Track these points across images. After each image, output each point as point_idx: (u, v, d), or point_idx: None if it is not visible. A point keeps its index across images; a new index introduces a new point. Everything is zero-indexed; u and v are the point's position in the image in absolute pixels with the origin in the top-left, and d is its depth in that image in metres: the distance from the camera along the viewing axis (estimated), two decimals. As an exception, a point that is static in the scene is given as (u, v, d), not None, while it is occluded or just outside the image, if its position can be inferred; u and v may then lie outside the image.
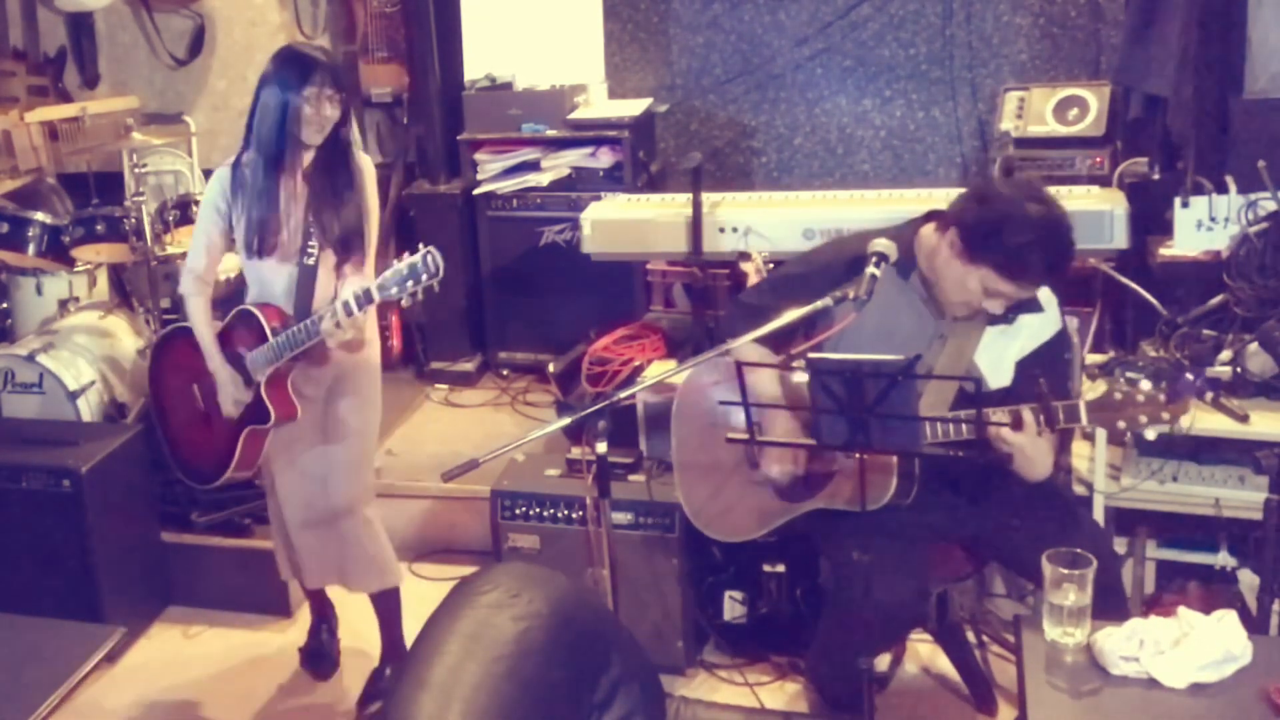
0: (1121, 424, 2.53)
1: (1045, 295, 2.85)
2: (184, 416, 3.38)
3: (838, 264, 2.83)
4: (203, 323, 3.22)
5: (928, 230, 2.82)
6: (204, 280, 3.23)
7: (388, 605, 3.45)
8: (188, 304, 3.24)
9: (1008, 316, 2.80)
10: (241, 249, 3.19)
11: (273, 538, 3.50)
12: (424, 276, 2.90)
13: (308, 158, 3.14)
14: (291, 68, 3.04)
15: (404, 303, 2.99)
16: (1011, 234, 2.59)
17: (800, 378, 2.77)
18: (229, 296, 3.65)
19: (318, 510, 3.31)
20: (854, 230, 3.14)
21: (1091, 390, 3.32)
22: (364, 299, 2.97)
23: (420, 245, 2.93)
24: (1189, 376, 2.54)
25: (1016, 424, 2.60)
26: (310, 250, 3.13)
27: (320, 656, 3.62)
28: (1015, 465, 2.67)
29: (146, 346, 4.44)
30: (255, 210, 3.12)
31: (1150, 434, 2.52)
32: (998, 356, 2.81)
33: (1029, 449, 2.62)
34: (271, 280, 3.18)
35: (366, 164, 3.22)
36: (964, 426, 2.66)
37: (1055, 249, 2.62)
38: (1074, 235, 2.66)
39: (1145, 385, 2.52)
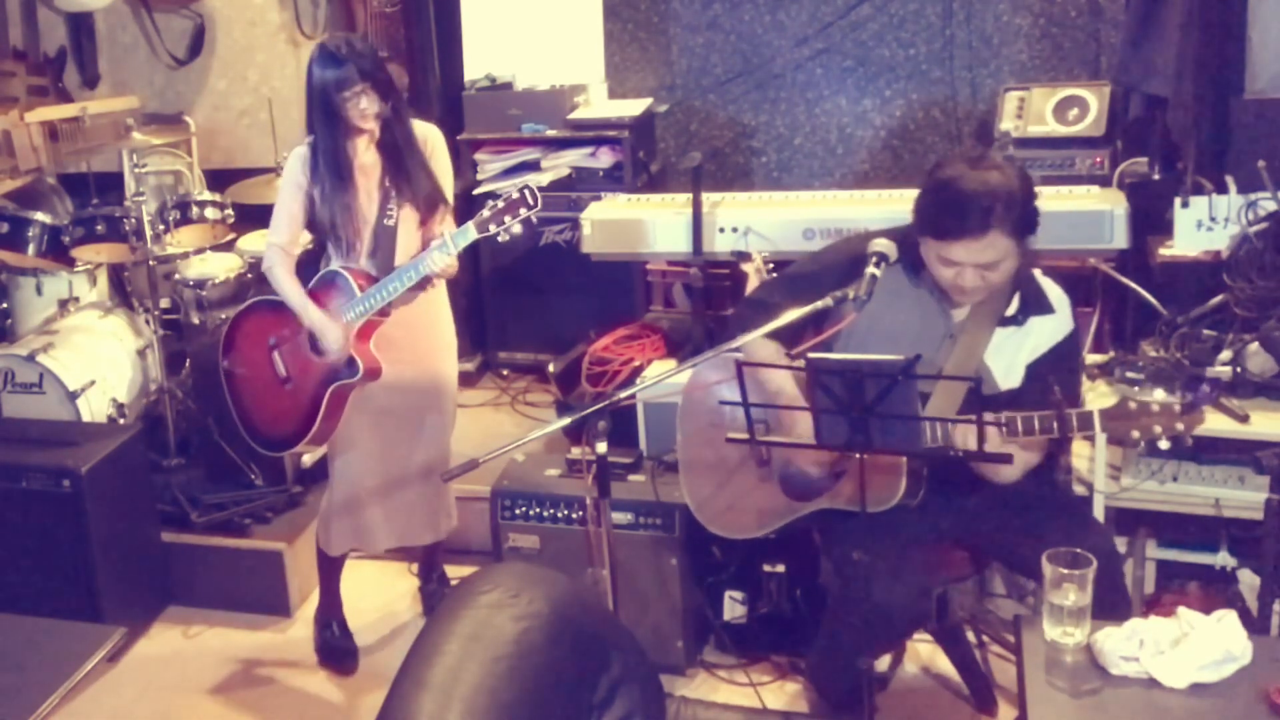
0: (1135, 434, 2.51)
1: (1057, 296, 2.86)
2: (261, 386, 3.47)
3: (844, 263, 2.84)
4: (291, 285, 3.35)
5: None
6: (287, 252, 3.38)
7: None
8: (274, 272, 3.36)
9: (1018, 318, 2.80)
10: (324, 222, 3.31)
11: (328, 507, 3.52)
12: (522, 210, 3.12)
13: (364, 140, 3.29)
14: (326, 67, 3.18)
15: (501, 238, 3.17)
16: (931, 196, 2.66)
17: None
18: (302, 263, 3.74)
19: (420, 465, 3.48)
20: (856, 230, 3.14)
21: (1091, 390, 3.33)
22: (461, 237, 3.17)
23: (511, 184, 3.06)
24: (1205, 387, 2.53)
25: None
26: (390, 211, 3.30)
27: (341, 652, 3.63)
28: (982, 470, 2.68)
29: (146, 346, 4.45)
30: (331, 197, 3.27)
31: (1164, 444, 2.51)
32: (1009, 358, 2.81)
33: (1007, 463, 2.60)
34: (355, 248, 3.31)
35: (427, 130, 3.39)
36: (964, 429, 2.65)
37: (974, 199, 2.59)
38: (1016, 191, 2.62)
39: (1159, 395, 2.51)
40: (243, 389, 3.52)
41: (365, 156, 3.30)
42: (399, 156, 3.29)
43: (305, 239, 3.49)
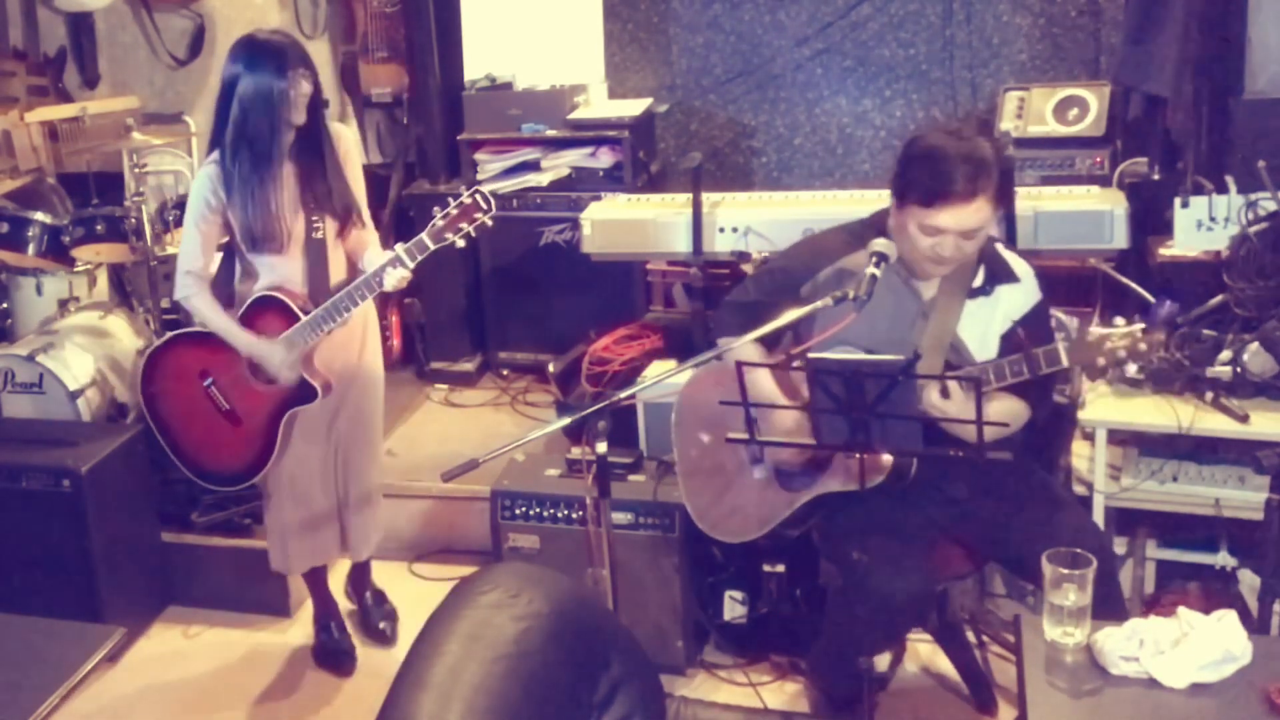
0: (1101, 360, 2.59)
1: (1021, 268, 2.91)
2: (202, 423, 3.37)
3: (815, 257, 2.92)
4: (216, 314, 3.23)
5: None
6: (202, 278, 3.26)
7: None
8: (193, 302, 3.25)
9: (985, 288, 2.85)
10: (243, 243, 3.21)
11: (282, 531, 3.45)
12: (477, 215, 3.01)
13: (289, 140, 3.18)
14: (267, 58, 3.08)
15: (459, 243, 3.07)
16: (917, 164, 2.70)
17: (798, 374, 2.78)
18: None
19: (367, 483, 3.47)
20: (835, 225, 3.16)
21: (1092, 390, 3.33)
22: (416, 249, 3.07)
23: (462, 189, 3.04)
24: (1164, 308, 2.58)
25: (944, 393, 2.67)
26: (316, 224, 3.20)
27: (339, 654, 3.62)
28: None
29: (146, 347, 4.44)
30: (255, 204, 3.14)
31: (1131, 368, 2.57)
32: (982, 328, 2.85)
33: (954, 414, 2.66)
34: (283, 267, 3.22)
35: (341, 130, 3.31)
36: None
37: (961, 164, 2.65)
38: (990, 156, 2.68)
39: (1120, 321, 2.60)
40: (177, 427, 3.42)
41: (282, 169, 3.19)
42: (318, 163, 3.19)
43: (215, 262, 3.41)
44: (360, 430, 3.43)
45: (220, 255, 3.37)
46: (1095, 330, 2.60)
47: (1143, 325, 2.57)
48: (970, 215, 2.68)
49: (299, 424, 3.32)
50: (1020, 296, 2.87)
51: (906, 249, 2.77)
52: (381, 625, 3.69)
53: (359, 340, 3.40)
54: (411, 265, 3.10)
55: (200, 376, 3.33)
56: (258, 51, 3.10)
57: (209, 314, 3.23)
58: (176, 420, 3.43)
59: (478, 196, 3.02)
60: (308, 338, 3.18)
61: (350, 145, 3.30)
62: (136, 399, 4.31)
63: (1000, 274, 2.87)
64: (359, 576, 3.76)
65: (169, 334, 3.46)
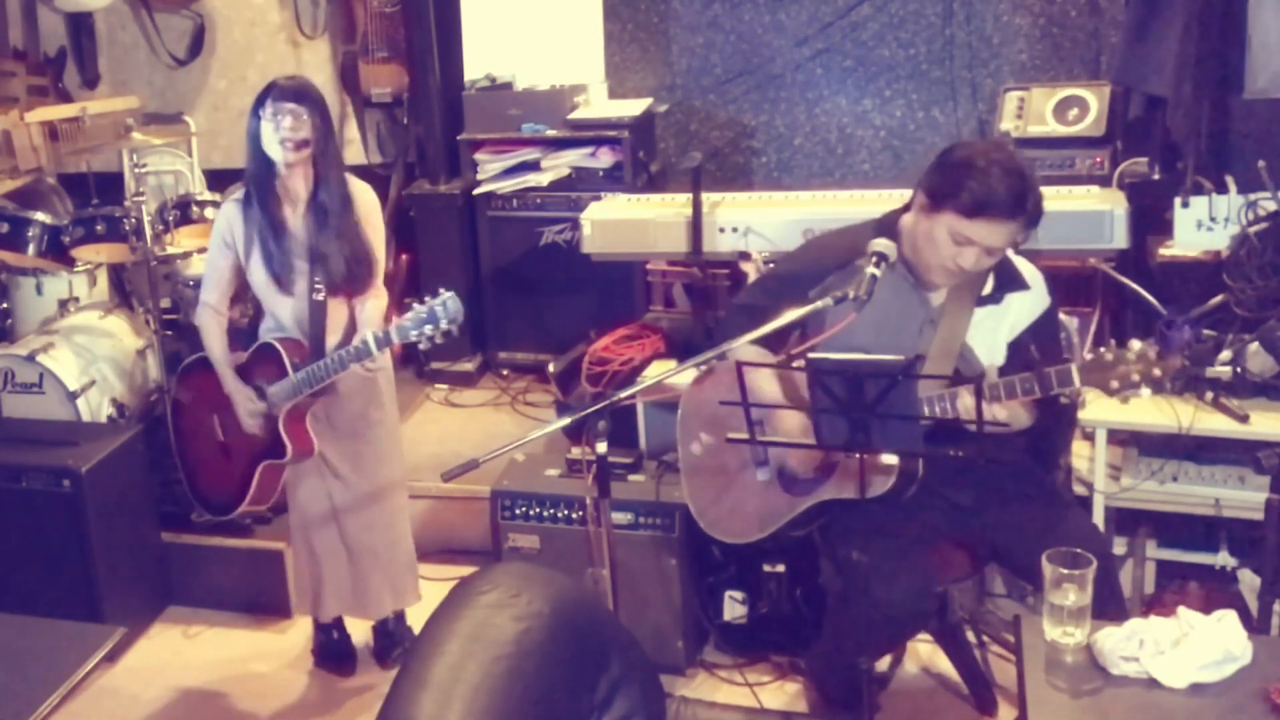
0: (1115, 383, 2.55)
1: (1030, 273, 2.90)
2: (203, 447, 3.45)
3: (825, 260, 2.87)
4: (217, 345, 3.30)
5: (906, 216, 2.85)
6: (218, 310, 3.32)
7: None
8: (203, 333, 3.31)
9: (995, 296, 2.84)
10: (254, 283, 3.25)
11: (300, 575, 3.51)
12: (443, 322, 2.98)
13: (303, 192, 3.19)
14: (258, 96, 3.13)
15: (421, 345, 3.06)
16: (968, 172, 2.66)
17: (802, 375, 2.78)
18: (246, 328, 3.71)
19: (371, 540, 3.42)
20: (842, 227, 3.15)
21: (1092, 390, 3.32)
22: (383, 340, 3.06)
23: (441, 290, 2.99)
24: (1179, 332, 2.56)
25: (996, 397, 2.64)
26: (317, 286, 3.20)
27: (339, 654, 3.62)
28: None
29: (146, 346, 4.44)
30: (258, 243, 3.19)
31: (1145, 391, 2.54)
32: (990, 337, 2.84)
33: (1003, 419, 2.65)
34: (283, 314, 3.25)
35: (362, 190, 3.27)
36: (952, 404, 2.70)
37: (1010, 182, 2.65)
38: (1033, 178, 2.69)
39: (1135, 344, 2.56)
40: (189, 447, 3.50)
41: (291, 220, 3.20)
42: (323, 228, 3.17)
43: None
44: (364, 483, 3.39)
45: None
46: (1110, 352, 2.55)
47: (1158, 349, 2.53)
48: (1004, 233, 2.68)
49: (307, 474, 3.35)
50: (1029, 304, 2.86)
51: (924, 254, 2.75)
52: (395, 655, 3.57)
53: (365, 397, 3.36)
54: (378, 355, 3.09)
55: (213, 404, 3.38)
56: (261, 90, 3.14)
57: (209, 344, 3.31)
58: (187, 435, 3.52)
59: (448, 303, 2.96)
60: (288, 397, 3.20)
61: (370, 206, 3.27)
62: (137, 381, 4.36)
63: (1010, 282, 2.85)
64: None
65: (196, 355, 3.48)
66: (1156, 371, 2.52)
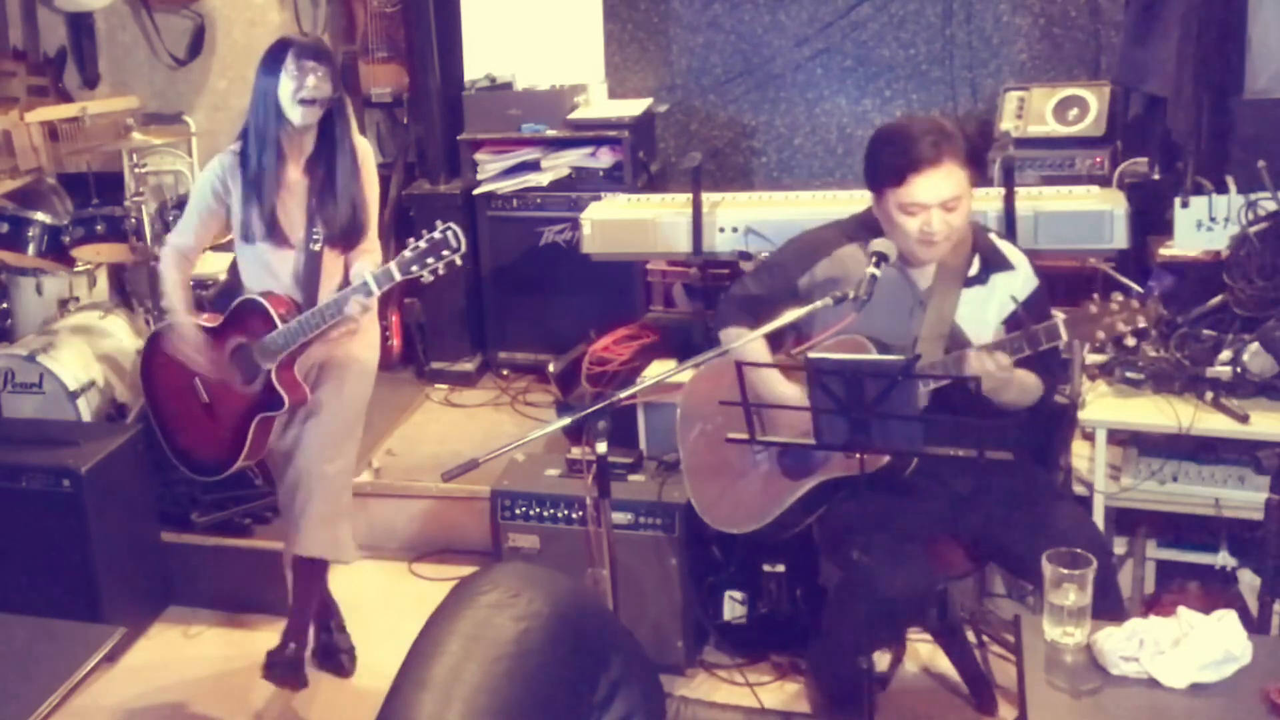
0: (1100, 334, 2.64)
1: (1015, 255, 2.96)
2: (185, 411, 3.40)
3: (807, 249, 3.00)
4: (174, 285, 3.25)
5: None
6: (186, 258, 3.28)
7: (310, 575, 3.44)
8: (164, 270, 3.27)
9: (981, 277, 2.90)
10: (238, 235, 3.23)
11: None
12: (445, 251, 2.99)
13: (308, 147, 3.18)
14: (271, 52, 3.12)
15: (425, 278, 3.05)
16: (879, 147, 2.84)
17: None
18: (224, 293, 3.68)
19: (310, 462, 3.32)
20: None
21: (1092, 390, 3.33)
22: (384, 278, 3.05)
23: (438, 222, 3.00)
24: (1161, 280, 2.59)
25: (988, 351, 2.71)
26: (315, 236, 3.19)
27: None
28: (996, 397, 2.77)
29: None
30: (256, 197, 3.16)
31: (1130, 340, 2.61)
32: (979, 315, 2.89)
33: (997, 378, 2.70)
34: (278, 267, 3.22)
35: (365, 147, 3.28)
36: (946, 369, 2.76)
37: (919, 132, 2.76)
38: (948, 124, 2.82)
39: (1117, 295, 2.64)
40: (168, 414, 3.46)
41: (292, 174, 3.20)
42: (330, 181, 3.18)
43: (220, 268, 3.38)
44: (326, 407, 3.31)
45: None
46: (1094, 305, 2.64)
47: (1141, 294, 2.62)
48: (942, 181, 2.74)
49: (289, 420, 3.32)
50: (1018, 282, 2.93)
51: (899, 238, 2.81)
52: (342, 656, 3.58)
53: (349, 333, 3.34)
54: (378, 293, 3.09)
55: (188, 368, 3.33)
56: (268, 50, 3.14)
57: (169, 280, 3.26)
58: (165, 404, 3.47)
59: (449, 233, 2.99)
60: (277, 350, 3.18)
61: (366, 157, 3.28)
62: (137, 381, 4.34)
63: (995, 263, 2.92)
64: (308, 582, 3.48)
65: (162, 324, 3.46)
66: (1141, 321, 2.60)
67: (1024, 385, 2.83)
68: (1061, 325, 2.66)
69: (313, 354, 3.28)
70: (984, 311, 2.89)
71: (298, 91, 3.08)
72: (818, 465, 2.92)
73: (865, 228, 2.93)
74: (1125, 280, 3.64)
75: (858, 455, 2.61)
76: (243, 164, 3.19)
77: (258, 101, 3.14)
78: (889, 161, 2.79)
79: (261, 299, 3.19)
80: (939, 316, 2.86)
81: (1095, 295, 2.67)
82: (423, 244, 3.01)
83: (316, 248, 3.19)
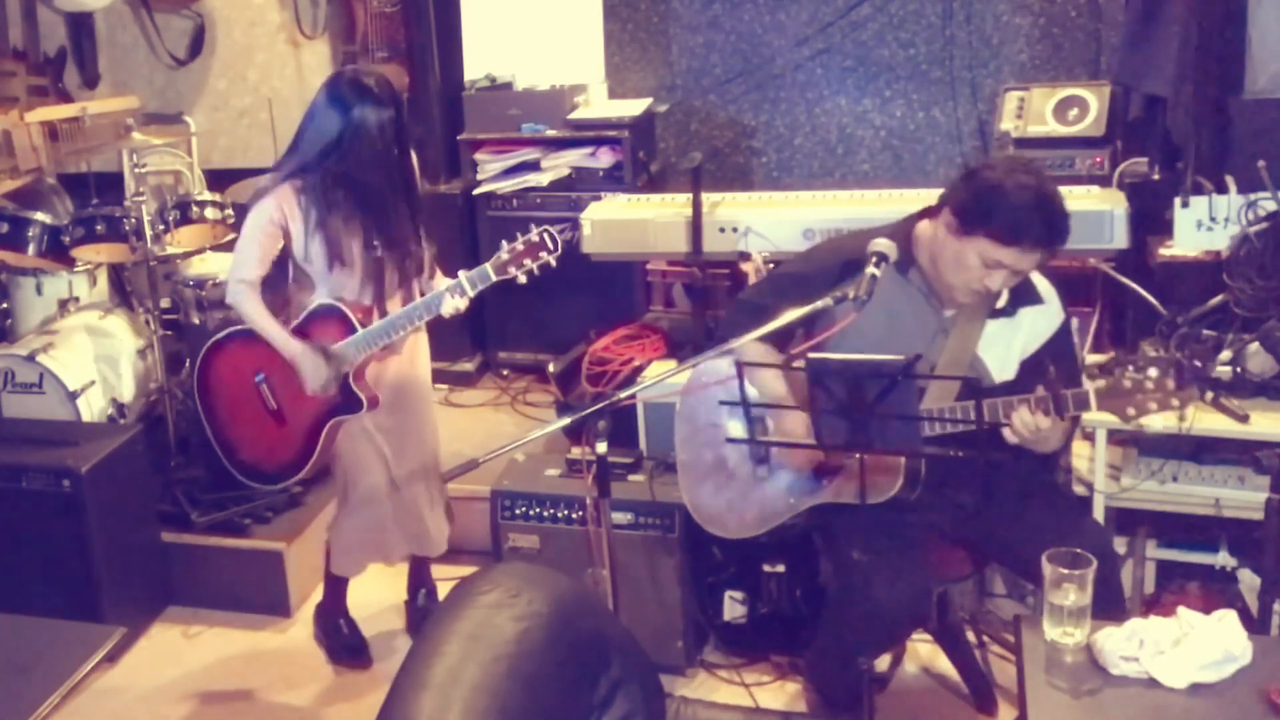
0: (1131, 410, 2.54)
1: (1045, 288, 2.88)
2: (249, 419, 3.40)
3: (835, 263, 2.83)
4: (266, 319, 3.26)
5: (923, 225, 2.83)
6: (254, 286, 3.29)
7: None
8: (244, 307, 3.27)
9: (1008, 309, 2.82)
10: (319, 262, 3.22)
11: (347, 533, 3.49)
12: (543, 254, 3.07)
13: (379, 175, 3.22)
14: (348, 90, 3.13)
15: (520, 279, 3.12)
16: (1002, 198, 2.63)
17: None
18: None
19: (420, 465, 3.48)
20: (853, 230, 3.14)
21: (1092, 390, 3.32)
22: (479, 279, 3.11)
23: (532, 226, 3.08)
24: (1195, 364, 2.54)
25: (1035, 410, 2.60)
26: (374, 243, 3.23)
27: (354, 648, 3.63)
28: (1023, 444, 2.69)
29: (146, 346, 4.44)
30: (323, 230, 3.18)
31: (1159, 422, 2.52)
32: (1002, 350, 2.83)
33: (1032, 438, 2.62)
34: (344, 288, 3.25)
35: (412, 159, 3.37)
36: (963, 417, 2.67)
37: (1046, 211, 2.64)
38: (1062, 203, 2.68)
39: (1153, 372, 2.53)
40: (224, 420, 3.44)
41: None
42: (399, 192, 3.24)
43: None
44: (411, 425, 3.44)
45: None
46: (1127, 378, 2.54)
47: (1174, 377, 2.51)
48: (1036, 258, 2.68)
49: (355, 432, 3.36)
50: (1044, 321, 2.85)
51: (948, 273, 2.73)
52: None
53: (410, 352, 3.44)
54: (472, 294, 3.15)
55: (253, 373, 3.36)
56: (363, 99, 3.13)
57: (258, 318, 3.26)
58: (225, 415, 3.45)
59: (545, 235, 3.05)
60: (360, 352, 3.21)
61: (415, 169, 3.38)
62: (136, 381, 4.35)
63: (1024, 296, 2.83)
64: (418, 572, 3.74)
65: (229, 329, 3.44)
66: (1174, 402, 2.51)
67: (1060, 437, 2.76)
68: (1093, 396, 2.57)
69: (380, 374, 3.35)
70: (1008, 346, 2.83)
71: (379, 137, 3.15)
72: (820, 487, 2.89)
73: (895, 241, 2.74)
74: (1126, 280, 3.65)
75: (859, 486, 2.59)
76: (313, 197, 3.17)
77: (340, 137, 3.13)
78: (1008, 217, 2.62)
79: (340, 304, 3.22)
80: (961, 346, 2.80)
81: (1130, 368, 2.56)
82: (519, 245, 3.06)
83: (378, 253, 3.23)
